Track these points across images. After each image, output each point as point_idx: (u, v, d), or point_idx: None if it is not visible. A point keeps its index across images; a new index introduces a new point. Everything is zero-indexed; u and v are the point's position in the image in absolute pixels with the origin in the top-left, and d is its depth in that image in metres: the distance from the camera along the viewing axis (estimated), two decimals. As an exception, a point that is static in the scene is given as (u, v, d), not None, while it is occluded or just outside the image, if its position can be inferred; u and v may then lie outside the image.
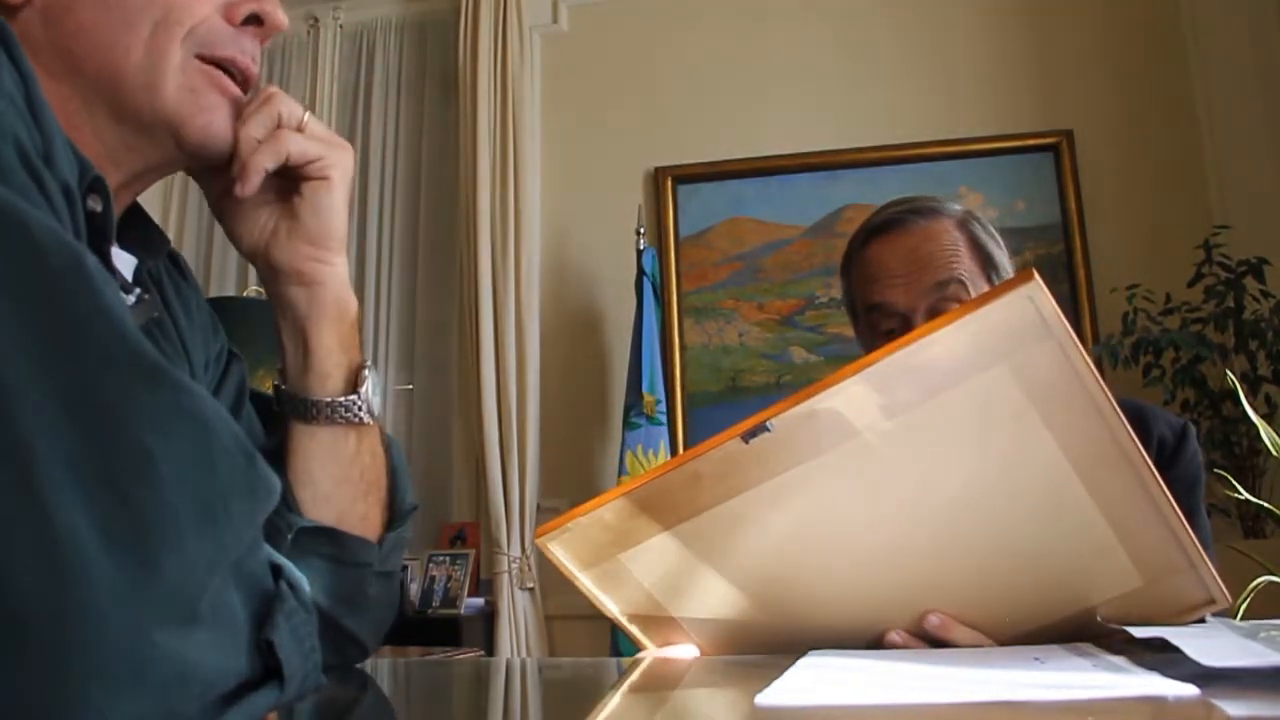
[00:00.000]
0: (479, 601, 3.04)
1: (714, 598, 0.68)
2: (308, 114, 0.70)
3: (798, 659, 0.58)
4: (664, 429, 2.94)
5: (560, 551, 0.67)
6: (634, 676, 0.67)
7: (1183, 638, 0.52)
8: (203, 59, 0.64)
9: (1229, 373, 2.17)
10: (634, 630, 0.71)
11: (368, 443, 0.72)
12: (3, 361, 0.34)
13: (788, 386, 3.03)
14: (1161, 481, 0.60)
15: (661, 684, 0.64)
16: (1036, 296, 0.55)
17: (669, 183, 3.25)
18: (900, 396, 0.59)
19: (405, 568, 2.91)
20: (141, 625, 0.35)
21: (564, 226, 3.31)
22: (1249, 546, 2.22)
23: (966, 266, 1.07)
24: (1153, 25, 3.06)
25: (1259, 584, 1.71)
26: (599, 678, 0.80)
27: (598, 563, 0.68)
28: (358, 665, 0.73)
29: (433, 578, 3.04)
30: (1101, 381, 0.58)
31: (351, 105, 3.58)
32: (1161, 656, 0.52)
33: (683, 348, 3.17)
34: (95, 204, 0.54)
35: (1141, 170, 3.00)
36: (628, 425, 2.94)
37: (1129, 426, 0.59)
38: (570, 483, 3.11)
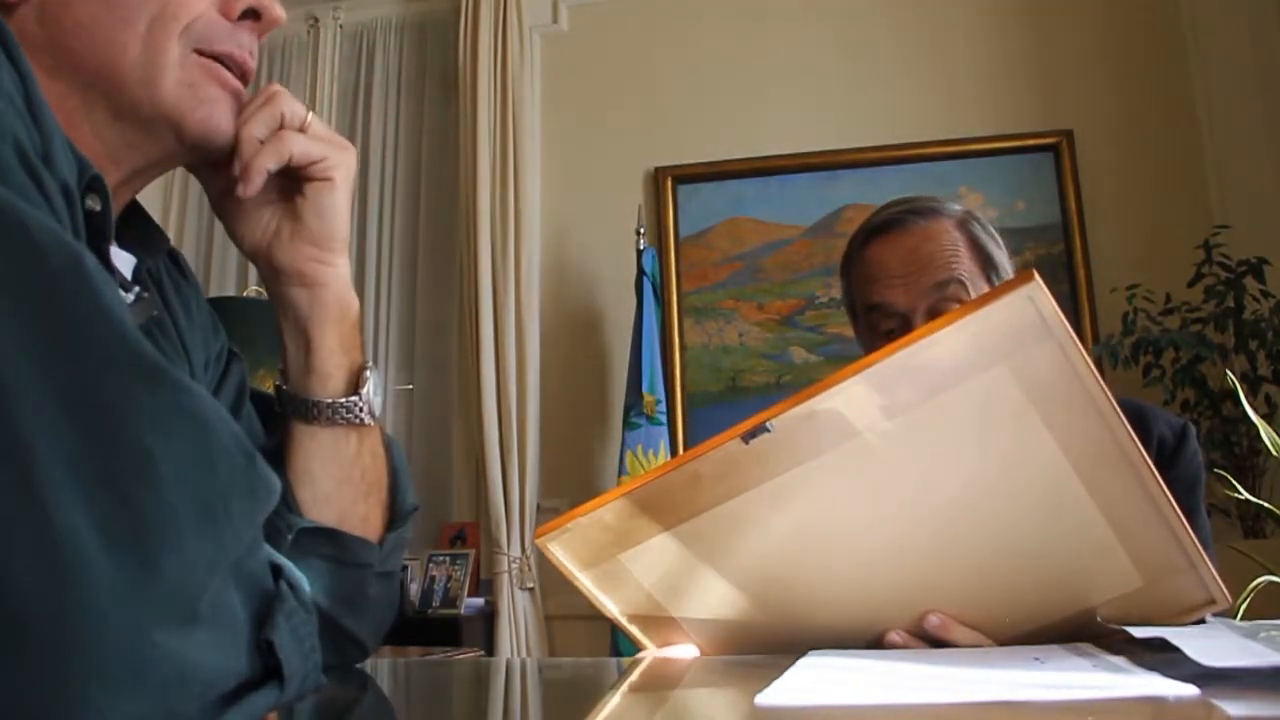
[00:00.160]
0: (479, 601, 3.04)
1: (714, 598, 0.68)
2: (310, 114, 0.69)
3: (798, 659, 0.58)
4: (664, 429, 2.94)
5: (560, 552, 0.67)
6: (634, 676, 0.67)
7: (1183, 638, 0.52)
8: (201, 54, 0.64)
9: (1229, 373, 2.17)
10: (634, 630, 0.71)
11: (369, 443, 0.72)
12: (3, 361, 0.34)
13: (788, 386, 3.03)
14: (1161, 482, 0.60)
15: (661, 684, 0.64)
16: (1037, 297, 0.55)
17: (669, 183, 3.25)
18: (900, 397, 0.59)
19: (405, 568, 2.91)
20: (141, 625, 0.35)
21: (564, 226, 3.31)
22: (1249, 546, 2.22)
23: (966, 267, 1.07)
24: (1153, 25, 3.06)
25: (1259, 584, 1.71)
26: (599, 678, 0.80)
27: (597, 563, 0.68)
28: (358, 665, 0.73)
29: (433, 578, 3.04)
30: (1101, 382, 0.58)
31: (351, 105, 3.58)
32: (1161, 656, 0.52)
33: (683, 348, 3.17)
34: (94, 203, 0.54)
35: (1141, 170, 3.00)
36: (628, 425, 2.94)
37: (1129, 426, 0.59)
38: (570, 483, 3.11)
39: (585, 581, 0.69)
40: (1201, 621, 0.63)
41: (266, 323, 0.73)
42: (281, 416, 0.72)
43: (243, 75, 0.67)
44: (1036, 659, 0.56)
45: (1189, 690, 0.44)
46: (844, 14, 3.25)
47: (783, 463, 0.61)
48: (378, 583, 0.72)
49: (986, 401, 0.59)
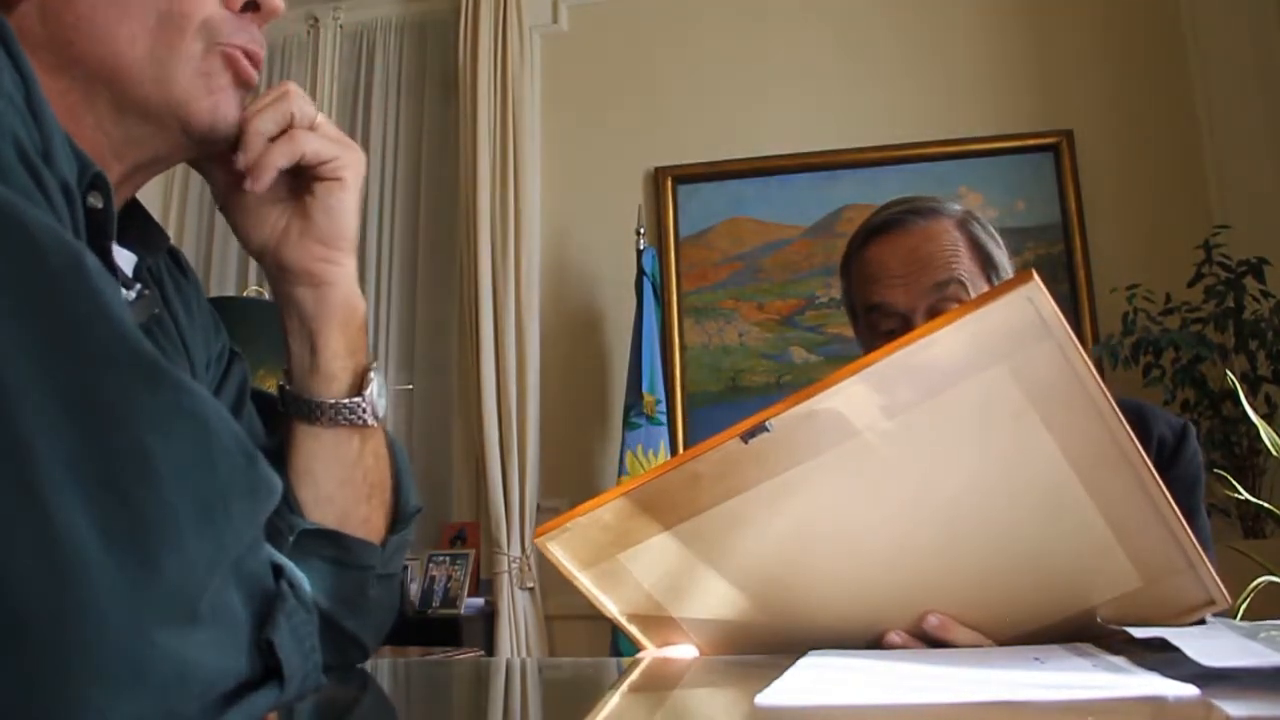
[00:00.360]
0: (479, 601, 3.04)
1: (713, 598, 0.68)
2: (320, 114, 0.69)
3: (798, 659, 0.58)
4: (664, 429, 2.94)
5: (559, 551, 0.67)
6: (633, 676, 0.67)
7: (1183, 638, 0.52)
8: (220, 46, 0.64)
9: (1229, 373, 2.17)
10: (633, 630, 0.71)
11: (372, 445, 0.72)
12: (2, 361, 0.34)
13: (788, 386, 3.03)
14: (1161, 482, 0.60)
15: (661, 684, 0.64)
16: (1036, 297, 0.55)
17: (669, 183, 3.25)
18: (900, 396, 0.59)
19: (405, 568, 2.91)
20: (141, 625, 0.35)
21: (564, 226, 3.31)
22: (1249, 546, 2.22)
23: (966, 267, 1.07)
24: (1153, 25, 3.06)
25: (1259, 584, 1.71)
26: (599, 678, 0.80)
27: (597, 563, 0.68)
28: (358, 665, 0.73)
29: (433, 578, 3.04)
30: (1101, 382, 0.58)
31: (351, 105, 3.58)
32: (1161, 656, 0.52)
33: (683, 348, 3.17)
34: (96, 201, 0.54)
35: (1141, 170, 3.00)
36: (628, 425, 2.94)
37: (1128, 427, 0.59)
38: (570, 483, 3.11)
39: (584, 581, 0.69)
40: (1201, 622, 0.63)
41: (267, 323, 0.73)
42: (283, 416, 0.72)
43: (255, 68, 0.67)
44: (1036, 659, 0.56)
45: (1189, 690, 0.44)
46: (844, 14, 3.25)
47: (782, 462, 0.61)
48: (379, 584, 0.72)
49: (986, 401, 0.59)
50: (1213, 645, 0.51)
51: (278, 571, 0.46)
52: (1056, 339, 0.57)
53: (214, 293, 3.24)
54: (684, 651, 0.71)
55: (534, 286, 3.19)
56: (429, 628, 2.92)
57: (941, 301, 1.06)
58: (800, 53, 3.25)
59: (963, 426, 0.60)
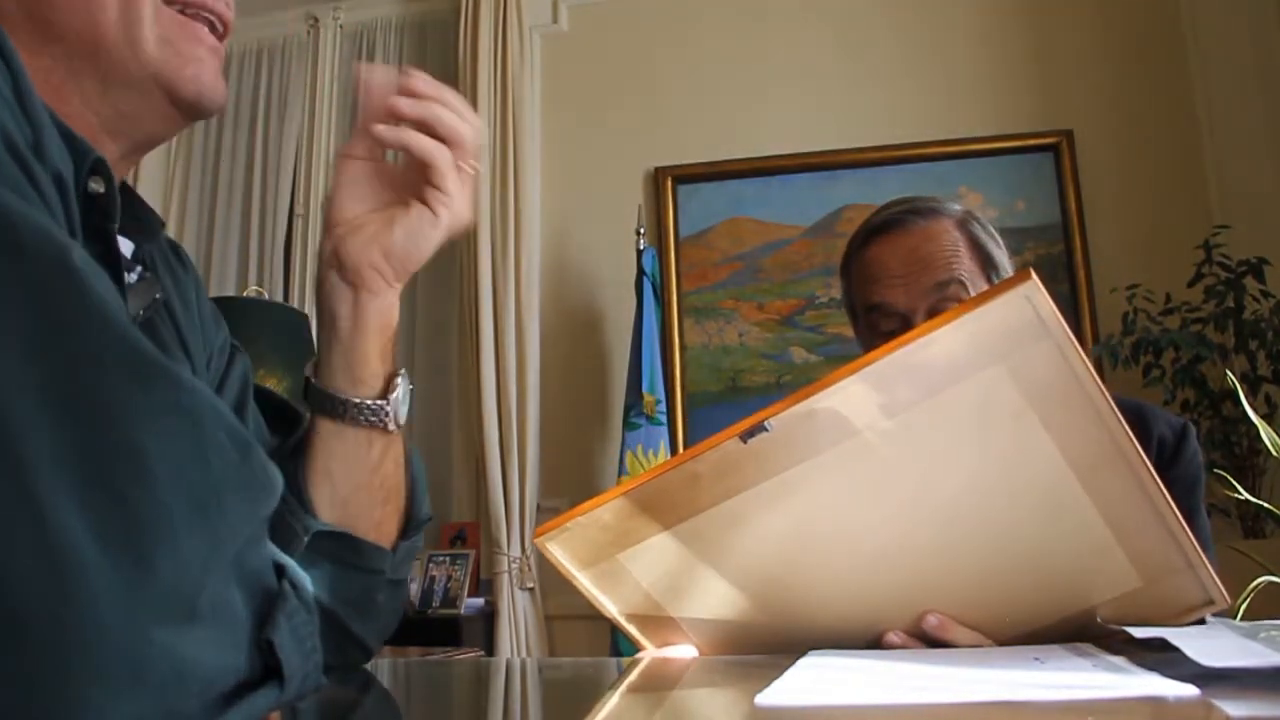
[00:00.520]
0: (479, 601, 3.03)
1: (713, 598, 0.68)
2: (478, 167, 0.72)
3: (798, 659, 0.58)
4: (664, 429, 2.94)
5: (559, 551, 0.67)
6: (633, 676, 0.67)
7: (1183, 638, 0.52)
8: (170, 4, 0.63)
9: (1229, 373, 2.18)
10: (632, 630, 0.71)
11: (393, 452, 0.72)
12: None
13: (788, 386, 3.03)
14: (1160, 482, 0.60)
15: (661, 684, 0.64)
16: (1034, 296, 0.55)
17: (669, 183, 3.25)
18: (899, 396, 0.59)
19: (405, 568, 2.90)
20: (139, 624, 0.34)
21: (564, 226, 3.31)
22: (1249, 546, 2.22)
23: (966, 266, 1.07)
24: (1153, 25, 3.06)
25: (1259, 584, 1.71)
26: (599, 678, 0.80)
27: (596, 562, 0.68)
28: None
29: (433, 578, 3.04)
30: (1099, 382, 0.58)
31: (352, 105, 3.57)
32: (1161, 656, 0.52)
33: (683, 348, 3.17)
34: (98, 185, 0.54)
35: (1141, 170, 3.00)
36: (628, 425, 2.94)
37: (1127, 427, 0.58)
38: (570, 483, 3.11)
39: (584, 581, 0.69)
40: (1201, 621, 0.63)
41: (267, 323, 0.73)
42: (298, 418, 0.72)
43: (224, 26, 0.66)
44: (1036, 659, 0.56)
45: (1189, 690, 0.44)
46: (844, 14, 3.25)
47: (781, 462, 0.61)
48: (387, 589, 0.72)
49: (985, 401, 0.59)
50: (1212, 645, 0.51)
51: (280, 571, 0.46)
52: (1055, 338, 0.57)
53: (214, 293, 3.24)
54: (683, 651, 0.71)
55: (534, 286, 3.19)
56: (429, 628, 2.92)
57: (942, 301, 1.06)
58: (800, 53, 3.25)
59: (962, 426, 0.60)
